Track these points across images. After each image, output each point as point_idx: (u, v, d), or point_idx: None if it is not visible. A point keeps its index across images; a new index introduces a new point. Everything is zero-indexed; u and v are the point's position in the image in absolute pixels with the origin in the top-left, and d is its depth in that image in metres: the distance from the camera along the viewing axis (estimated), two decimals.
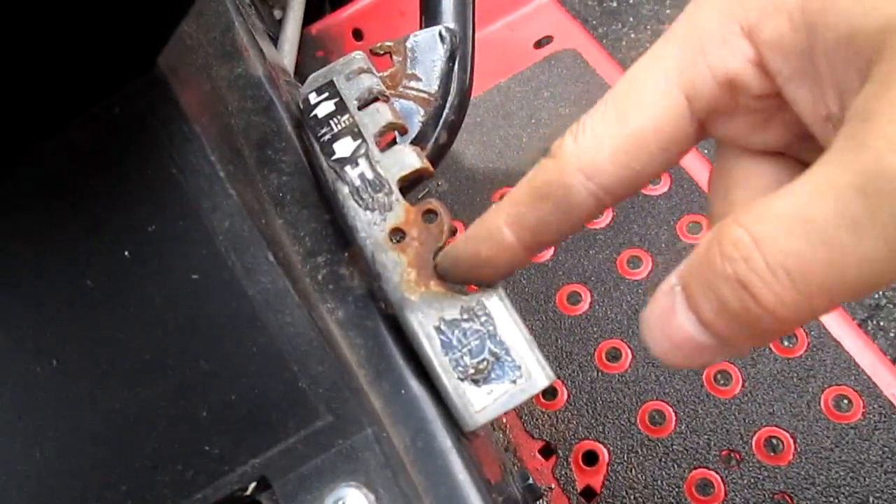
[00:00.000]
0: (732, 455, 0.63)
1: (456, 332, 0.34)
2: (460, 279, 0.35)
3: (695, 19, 0.27)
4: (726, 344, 0.24)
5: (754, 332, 0.23)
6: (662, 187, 0.76)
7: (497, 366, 0.34)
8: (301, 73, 0.86)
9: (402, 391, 0.36)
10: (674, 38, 0.27)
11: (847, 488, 0.60)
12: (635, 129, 0.27)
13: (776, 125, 0.27)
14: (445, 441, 0.34)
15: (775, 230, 0.22)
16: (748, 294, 0.22)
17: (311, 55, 0.92)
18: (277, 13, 0.96)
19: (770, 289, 0.22)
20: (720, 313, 0.23)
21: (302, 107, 0.39)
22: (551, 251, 0.74)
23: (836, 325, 0.66)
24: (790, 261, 0.21)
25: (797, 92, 0.25)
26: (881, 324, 1.16)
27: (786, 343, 0.66)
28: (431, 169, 0.38)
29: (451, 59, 0.49)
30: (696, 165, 0.76)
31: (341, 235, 0.39)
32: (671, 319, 0.25)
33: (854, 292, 0.21)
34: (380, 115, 0.38)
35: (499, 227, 0.31)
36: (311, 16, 0.93)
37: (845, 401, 0.63)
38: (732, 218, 0.23)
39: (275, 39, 0.84)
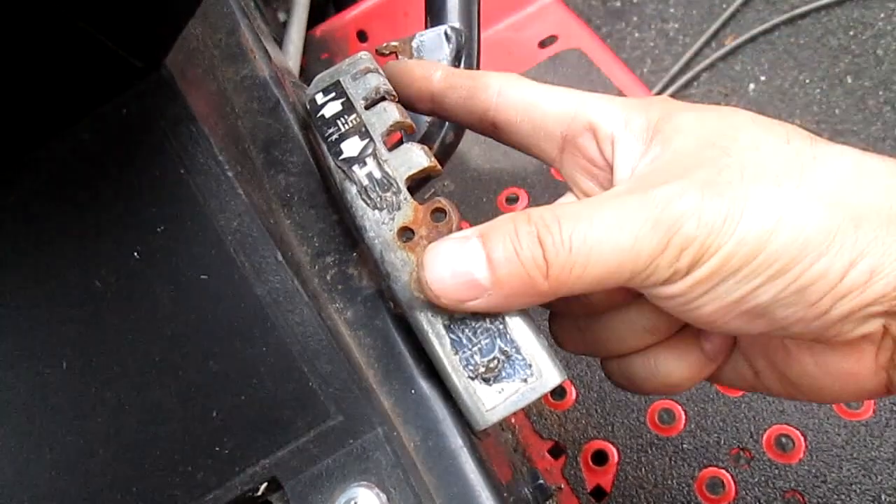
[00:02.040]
0: (743, 453, 0.62)
1: (466, 330, 0.34)
2: (388, 73, 0.40)
3: (609, 98, 0.38)
4: (496, 286, 0.32)
5: (524, 280, 0.31)
6: None
7: (508, 364, 0.34)
8: (306, 75, 0.87)
9: (412, 390, 0.35)
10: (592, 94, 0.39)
11: (859, 486, 0.59)
12: (539, 99, 0.38)
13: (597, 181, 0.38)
14: (456, 440, 0.34)
15: (575, 213, 0.31)
16: (540, 248, 0.31)
17: (316, 57, 0.92)
18: (282, 16, 0.96)
19: (556, 248, 0.31)
20: (510, 258, 0.31)
21: (308, 107, 0.39)
22: None
23: None
24: (576, 234, 0.31)
25: (620, 159, 0.35)
26: None
27: None
28: (440, 167, 0.38)
29: (457, 58, 0.49)
30: None
31: (349, 235, 0.39)
32: (460, 252, 0.32)
33: (600, 273, 0.31)
34: (387, 114, 0.38)
35: (437, 66, 0.41)
36: (315, 18, 0.93)
37: None
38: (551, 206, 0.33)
39: (279, 42, 0.84)
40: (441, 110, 0.40)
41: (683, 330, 0.37)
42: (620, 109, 0.36)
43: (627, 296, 0.36)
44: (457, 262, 0.32)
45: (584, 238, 0.31)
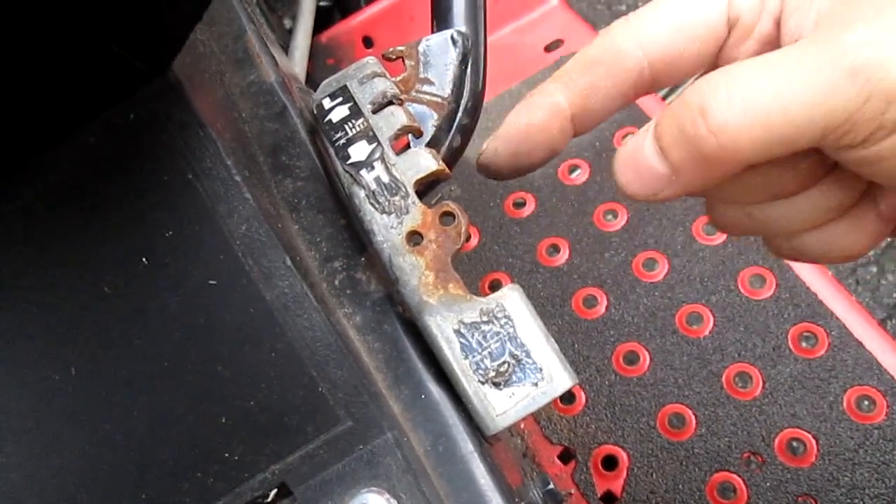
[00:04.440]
0: (754, 457, 0.62)
1: (475, 334, 0.34)
2: (505, 153, 0.36)
3: None
4: (675, 171, 0.29)
5: (698, 158, 0.28)
6: None
7: (518, 368, 0.34)
8: (312, 81, 0.87)
9: (422, 395, 0.35)
10: None
11: (872, 490, 0.59)
12: (683, 16, 0.33)
13: None
14: (467, 445, 0.34)
15: (745, 71, 0.28)
16: (703, 119, 0.28)
17: (322, 63, 0.92)
18: (287, 22, 0.96)
19: (723, 114, 0.27)
20: (676, 139, 0.29)
21: (316, 112, 0.39)
22: (566, 254, 0.73)
23: (858, 324, 0.65)
24: (749, 92, 0.27)
25: (791, 17, 0.31)
26: None
27: (806, 344, 0.65)
28: (448, 171, 0.37)
29: (463, 62, 0.48)
30: None
31: (357, 240, 0.39)
32: (639, 150, 0.30)
33: (785, 132, 0.27)
34: (394, 118, 0.38)
35: (551, 91, 0.34)
36: (320, 24, 0.93)
37: (868, 401, 0.62)
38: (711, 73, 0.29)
39: (285, 48, 0.84)
40: (589, 123, 0.35)
41: (862, 196, 0.33)
42: None
43: (815, 174, 0.32)
44: (638, 160, 0.31)
45: (759, 94, 0.27)
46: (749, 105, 0.27)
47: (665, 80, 0.34)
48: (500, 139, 0.36)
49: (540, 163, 0.36)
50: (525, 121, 0.35)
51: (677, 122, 0.29)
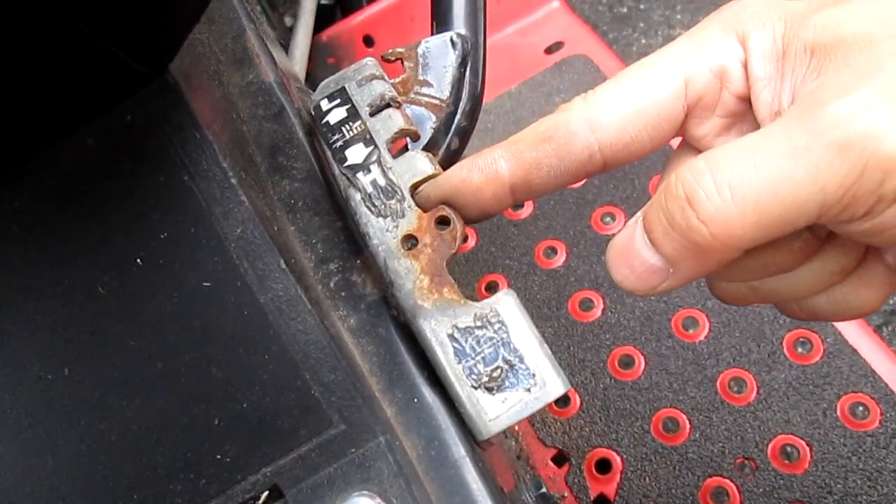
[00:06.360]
0: (747, 463, 0.62)
1: (469, 339, 0.34)
2: (436, 199, 0.35)
3: (700, 28, 0.33)
4: (672, 264, 0.29)
5: (692, 249, 0.28)
6: None
7: (511, 373, 0.34)
8: (312, 80, 0.86)
9: (415, 399, 0.35)
10: (681, 40, 0.33)
11: (865, 497, 0.59)
12: (639, 100, 0.32)
13: (734, 133, 0.34)
14: (459, 450, 0.34)
15: (728, 156, 0.27)
16: (692, 209, 0.27)
17: (322, 62, 0.92)
18: (288, 20, 0.96)
19: (712, 202, 0.26)
20: (667, 231, 0.28)
21: (314, 113, 0.39)
22: (563, 257, 0.73)
23: (853, 331, 0.65)
24: (735, 178, 0.26)
25: (762, 92, 0.31)
26: None
27: (801, 350, 0.65)
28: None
29: (462, 64, 0.48)
30: None
31: (353, 242, 0.39)
32: (630, 245, 0.30)
33: (778, 215, 0.26)
34: (392, 121, 0.38)
35: (495, 157, 0.34)
36: (321, 23, 0.93)
37: (862, 408, 0.62)
38: (693, 159, 0.28)
39: (286, 47, 0.84)
40: (529, 195, 0.34)
41: (866, 253, 0.33)
42: (731, 44, 0.31)
43: (811, 248, 0.32)
44: (630, 256, 0.30)
45: (746, 179, 0.26)
46: (738, 191, 0.26)
47: (614, 164, 0.33)
48: (434, 185, 0.35)
49: (470, 220, 0.36)
50: (461, 177, 0.34)
51: (665, 213, 0.28)
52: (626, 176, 0.77)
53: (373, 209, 0.36)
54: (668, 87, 0.32)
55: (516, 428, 0.66)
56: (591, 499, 0.63)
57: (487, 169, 0.34)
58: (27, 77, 0.33)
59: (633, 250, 0.30)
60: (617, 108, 0.32)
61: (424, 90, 0.47)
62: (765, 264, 0.32)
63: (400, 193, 0.36)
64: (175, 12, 0.36)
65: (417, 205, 0.36)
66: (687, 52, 0.32)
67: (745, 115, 0.33)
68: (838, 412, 0.62)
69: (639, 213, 0.30)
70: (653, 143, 0.33)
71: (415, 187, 0.36)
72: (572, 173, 0.33)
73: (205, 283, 0.36)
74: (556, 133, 0.33)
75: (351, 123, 0.38)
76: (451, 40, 0.47)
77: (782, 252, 0.31)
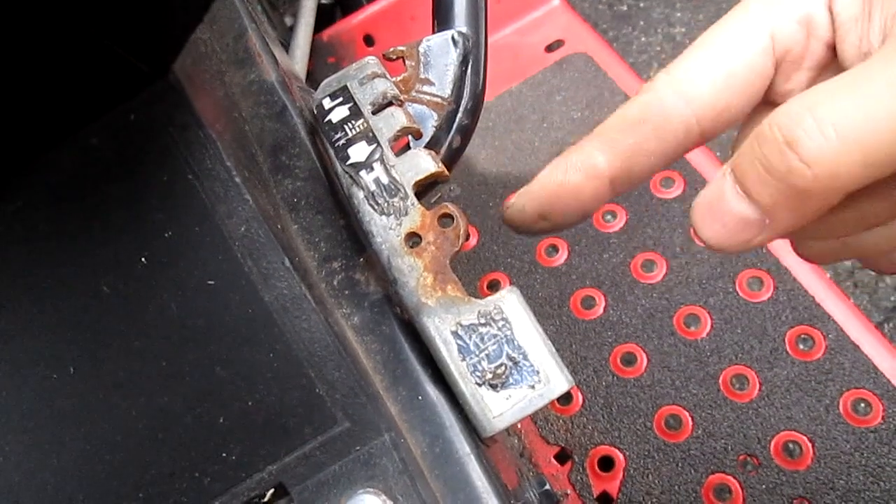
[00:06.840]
0: (750, 460, 0.62)
1: (473, 336, 0.34)
2: (532, 211, 0.33)
3: None
4: (768, 214, 0.27)
5: (791, 196, 0.26)
6: (676, 190, 0.75)
7: (515, 370, 0.34)
8: (313, 79, 0.87)
9: (419, 397, 0.35)
10: None
11: (867, 493, 0.59)
12: (728, 63, 0.31)
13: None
14: (463, 447, 0.34)
15: (828, 95, 0.25)
16: (793, 152, 0.25)
17: (323, 62, 0.92)
18: (288, 20, 0.96)
19: (815, 142, 0.25)
20: (763, 178, 0.26)
21: (316, 112, 0.39)
22: (565, 255, 0.73)
23: (855, 327, 0.65)
24: (837, 116, 0.25)
25: (849, 35, 0.30)
26: None
27: (803, 346, 0.65)
28: (447, 172, 0.38)
29: (464, 63, 0.49)
30: (710, 169, 0.76)
31: (356, 240, 0.39)
32: (720, 198, 0.28)
33: (887, 153, 0.25)
34: (394, 119, 0.38)
35: (590, 152, 0.32)
36: (322, 22, 0.93)
37: (864, 404, 0.62)
38: (785, 103, 0.26)
39: (286, 46, 0.84)
40: (629, 185, 0.33)
41: None
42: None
43: None
44: (720, 210, 0.28)
45: (849, 117, 0.25)
46: (841, 129, 0.25)
47: (712, 134, 0.32)
48: (527, 195, 0.34)
49: (568, 225, 0.34)
50: (558, 180, 0.32)
51: (761, 159, 0.26)
52: None
53: (376, 207, 0.36)
54: (756, 45, 0.31)
55: (519, 426, 0.66)
56: (594, 496, 0.63)
57: (585, 165, 0.32)
58: (32, 77, 0.33)
59: (723, 203, 0.28)
60: (707, 75, 0.31)
61: (426, 88, 0.47)
62: (863, 216, 0.30)
63: (403, 191, 0.36)
64: (177, 12, 0.36)
65: (510, 223, 0.34)
66: (768, 5, 0.31)
67: (830, 66, 0.31)
68: (841, 408, 0.62)
69: (724, 167, 0.28)
70: (747, 106, 0.32)
71: (417, 185, 0.37)
72: (671, 153, 0.32)
73: (209, 282, 0.36)
74: (649, 113, 0.31)
75: (353, 122, 0.38)
76: (453, 38, 0.47)
77: (881, 200, 0.29)
